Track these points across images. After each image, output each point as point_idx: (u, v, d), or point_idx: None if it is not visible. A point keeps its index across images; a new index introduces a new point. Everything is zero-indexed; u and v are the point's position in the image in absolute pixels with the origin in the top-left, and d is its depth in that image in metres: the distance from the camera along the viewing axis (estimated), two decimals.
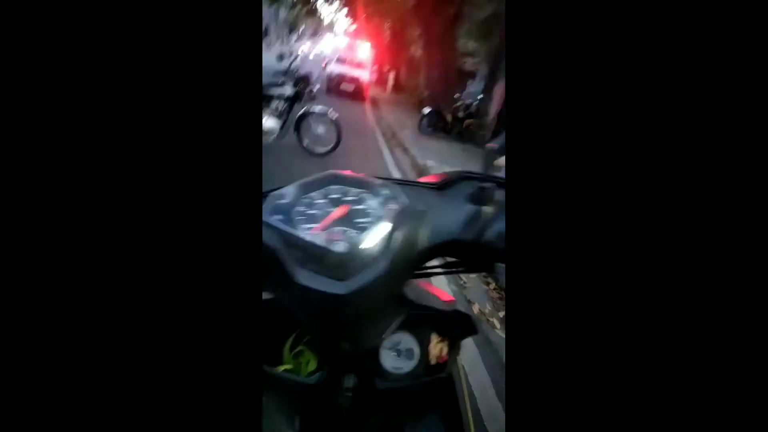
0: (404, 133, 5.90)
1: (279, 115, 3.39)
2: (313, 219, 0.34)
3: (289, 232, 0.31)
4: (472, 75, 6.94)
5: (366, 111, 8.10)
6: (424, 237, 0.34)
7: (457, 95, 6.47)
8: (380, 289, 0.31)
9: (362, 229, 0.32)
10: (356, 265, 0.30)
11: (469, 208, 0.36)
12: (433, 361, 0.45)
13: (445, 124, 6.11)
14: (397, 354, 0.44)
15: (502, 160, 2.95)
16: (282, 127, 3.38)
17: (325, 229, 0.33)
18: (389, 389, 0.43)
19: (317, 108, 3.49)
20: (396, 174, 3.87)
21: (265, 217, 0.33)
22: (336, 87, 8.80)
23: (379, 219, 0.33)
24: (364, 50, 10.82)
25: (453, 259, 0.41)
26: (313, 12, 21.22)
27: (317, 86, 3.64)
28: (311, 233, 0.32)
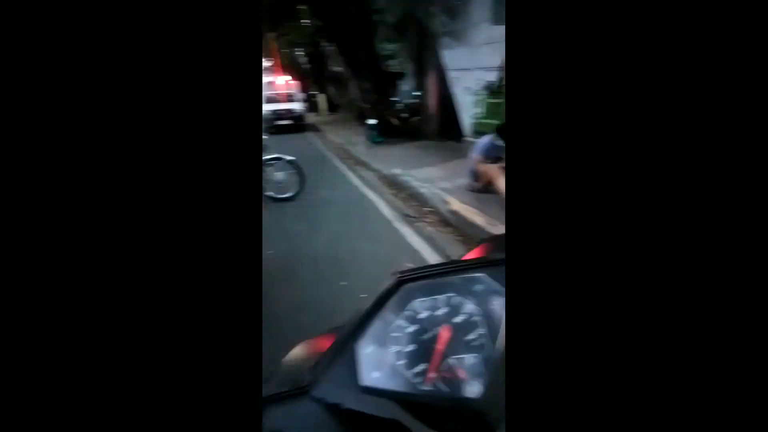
0: (357, 149, 5.89)
1: None
2: (418, 358, 0.27)
3: (405, 392, 0.25)
4: (400, 76, 7.09)
5: (310, 139, 8.03)
6: None
7: (393, 98, 6.58)
8: None
9: (480, 347, 0.26)
10: (497, 400, 0.24)
11: None
12: None
13: (393, 129, 6.18)
14: None
15: (489, 168, 2.97)
16: None
17: (439, 369, 0.26)
18: None
19: (266, 157, 3.39)
20: (370, 193, 3.83)
21: (363, 381, 0.26)
22: (275, 125, 8.70)
23: (491, 325, 0.27)
24: (287, 82, 10.81)
25: None
26: None
27: (266, 137, 3.54)
28: (428, 381, 0.25)
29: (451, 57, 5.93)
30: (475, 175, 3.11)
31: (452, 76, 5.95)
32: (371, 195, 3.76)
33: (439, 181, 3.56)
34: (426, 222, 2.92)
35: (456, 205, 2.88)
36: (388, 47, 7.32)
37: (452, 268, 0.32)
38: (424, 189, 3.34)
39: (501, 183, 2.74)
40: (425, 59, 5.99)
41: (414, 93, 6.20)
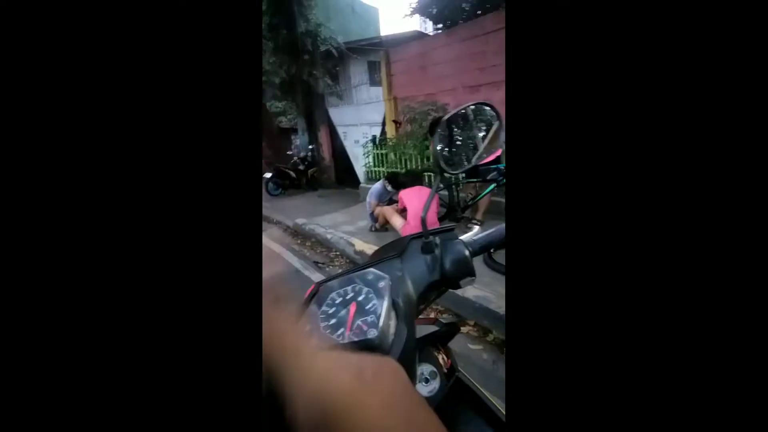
0: None
1: None
2: (338, 326, 0.41)
3: (333, 346, 0.38)
4: (294, 131, 7.38)
5: None
6: (411, 291, 0.49)
7: (289, 152, 6.78)
8: (410, 341, 0.43)
9: (373, 311, 0.42)
10: (388, 337, 0.40)
11: (425, 258, 0.54)
12: (445, 370, 0.58)
13: (291, 180, 6.30)
14: (426, 382, 0.56)
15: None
16: None
17: (351, 329, 0.41)
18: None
19: None
20: (274, 245, 3.80)
21: None
22: None
23: (380, 298, 0.43)
24: None
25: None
26: None
27: None
28: (347, 337, 0.40)
29: (338, 114, 6.57)
30: (374, 217, 3.45)
31: (341, 131, 6.56)
32: (275, 246, 3.75)
33: (342, 225, 3.78)
34: (335, 266, 3.07)
35: (360, 245, 3.11)
36: (277, 105, 7.63)
37: (352, 270, 0.48)
38: (329, 234, 3.51)
39: (395, 221, 3.12)
40: (314, 116, 6.45)
41: (308, 147, 6.53)
